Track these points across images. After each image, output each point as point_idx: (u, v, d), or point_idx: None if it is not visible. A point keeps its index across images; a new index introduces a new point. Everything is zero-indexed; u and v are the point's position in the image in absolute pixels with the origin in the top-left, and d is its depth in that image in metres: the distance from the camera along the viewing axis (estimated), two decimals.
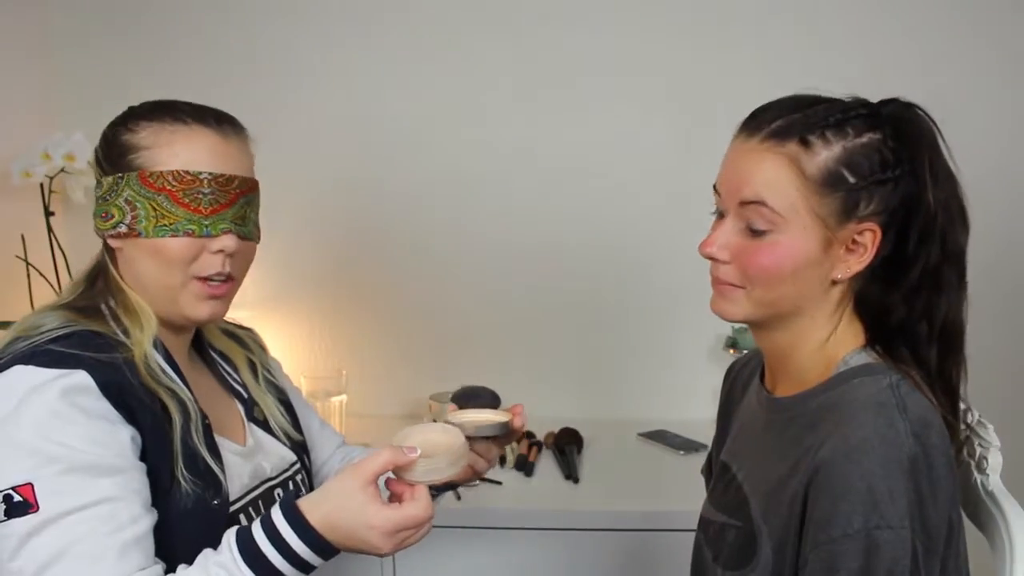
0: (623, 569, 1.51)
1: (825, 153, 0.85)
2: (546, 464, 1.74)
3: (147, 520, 0.87)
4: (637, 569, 1.50)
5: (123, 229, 0.97)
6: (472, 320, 2.04)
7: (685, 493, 1.33)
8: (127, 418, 0.89)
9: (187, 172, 0.96)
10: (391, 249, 2.02)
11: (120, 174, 0.98)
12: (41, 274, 1.77)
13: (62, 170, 1.73)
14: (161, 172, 0.96)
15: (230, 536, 0.86)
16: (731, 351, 1.92)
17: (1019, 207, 1.93)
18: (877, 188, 0.86)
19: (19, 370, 0.87)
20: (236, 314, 1.08)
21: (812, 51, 1.90)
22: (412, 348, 2.05)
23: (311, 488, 1.16)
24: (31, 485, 0.83)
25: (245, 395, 1.13)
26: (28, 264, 1.76)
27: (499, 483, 1.63)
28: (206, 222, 0.97)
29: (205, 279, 0.99)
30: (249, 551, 0.85)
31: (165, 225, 0.96)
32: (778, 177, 0.86)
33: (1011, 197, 1.93)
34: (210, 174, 0.97)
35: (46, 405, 0.85)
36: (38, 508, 0.82)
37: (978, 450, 0.96)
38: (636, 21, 1.93)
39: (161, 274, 0.98)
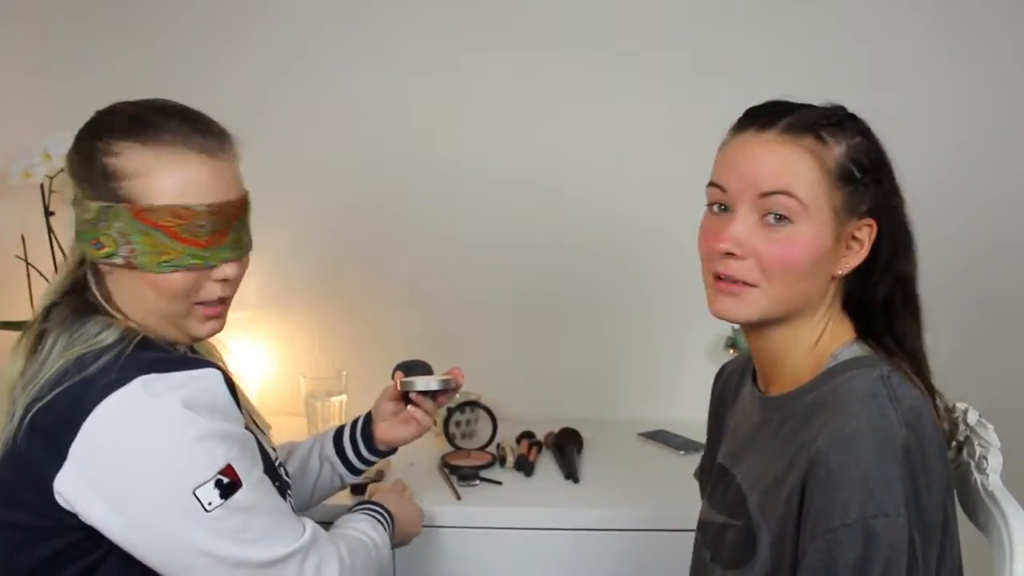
0: (623, 569, 1.51)
1: (836, 148, 0.89)
2: (546, 464, 1.74)
3: None
4: (637, 569, 1.50)
5: (119, 261, 0.93)
6: (473, 320, 2.03)
7: (685, 493, 1.33)
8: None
9: (183, 207, 0.91)
10: (392, 249, 2.02)
11: (108, 204, 0.91)
12: (41, 274, 1.77)
13: (62, 170, 1.72)
14: (153, 207, 0.90)
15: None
16: (731, 351, 1.92)
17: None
18: (873, 186, 0.91)
19: (153, 378, 0.88)
20: (236, 315, 1.07)
21: (813, 54, 1.90)
22: (412, 348, 2.04)
23: None
24: (231, 466, 0.89)
25: None
26: (28, 264, 1.76)
27: (499, 483, 1.63)
28: (206, 254, 0.94)
29: (205, 303, 0.98)
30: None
31: (167, 261, 0.92)
32: (803, 167, 0.88)
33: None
34: (206, 206, 0.92)
35: (202, 397, 0.89)
36: (243, 483, 0.90)
37: (978, 450, 0.97)
38: (637, 22, 1.93)
39: (163, 304, 0.96)
